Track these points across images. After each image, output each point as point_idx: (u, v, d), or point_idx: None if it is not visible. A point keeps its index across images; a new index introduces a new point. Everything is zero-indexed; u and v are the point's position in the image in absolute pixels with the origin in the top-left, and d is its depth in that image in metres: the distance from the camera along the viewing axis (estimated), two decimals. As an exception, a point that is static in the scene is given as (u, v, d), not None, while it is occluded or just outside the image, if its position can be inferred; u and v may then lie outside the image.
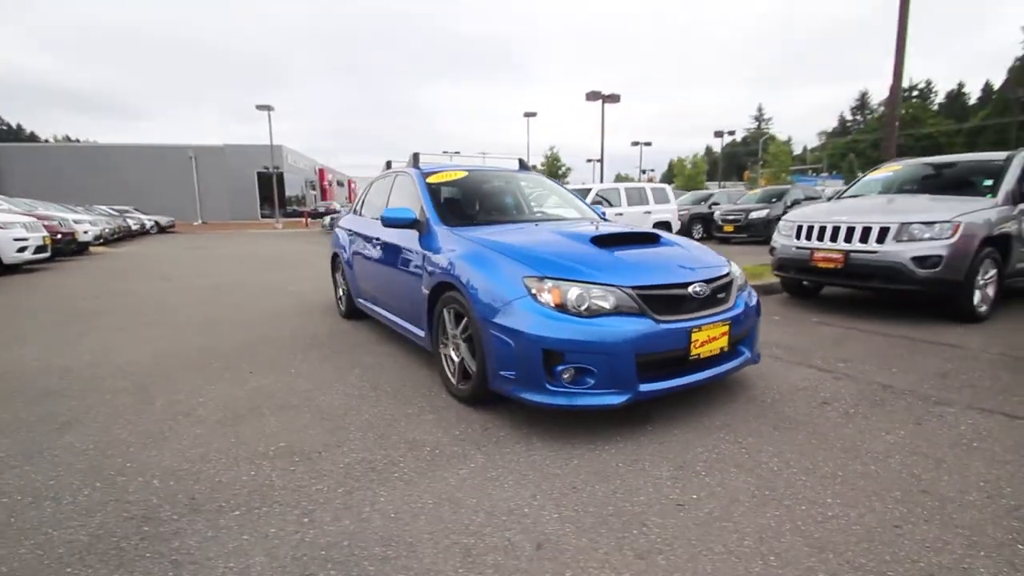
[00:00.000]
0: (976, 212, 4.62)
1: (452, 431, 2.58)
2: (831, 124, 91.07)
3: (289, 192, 41.55)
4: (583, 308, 2.40)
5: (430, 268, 3.20)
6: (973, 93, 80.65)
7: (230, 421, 2.72)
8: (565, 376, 2.35)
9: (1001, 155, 5.41)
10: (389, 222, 3.54)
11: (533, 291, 2.47)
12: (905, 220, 4.64)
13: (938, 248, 4.45)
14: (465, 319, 2.79)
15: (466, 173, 4.13)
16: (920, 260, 4.48)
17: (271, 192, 35.47)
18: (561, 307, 2.41)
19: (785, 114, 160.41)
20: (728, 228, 14.11)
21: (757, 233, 13.22)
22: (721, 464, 2.21)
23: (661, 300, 2.51)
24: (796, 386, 3.12)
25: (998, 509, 1.86)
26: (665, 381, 2.48)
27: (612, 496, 1.98)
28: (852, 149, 70.58)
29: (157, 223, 26.56)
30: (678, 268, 2.72)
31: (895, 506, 1.89)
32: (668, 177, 69.35)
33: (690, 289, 2.60)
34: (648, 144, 40.60)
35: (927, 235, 4.53)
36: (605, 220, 4.18)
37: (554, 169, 42.23)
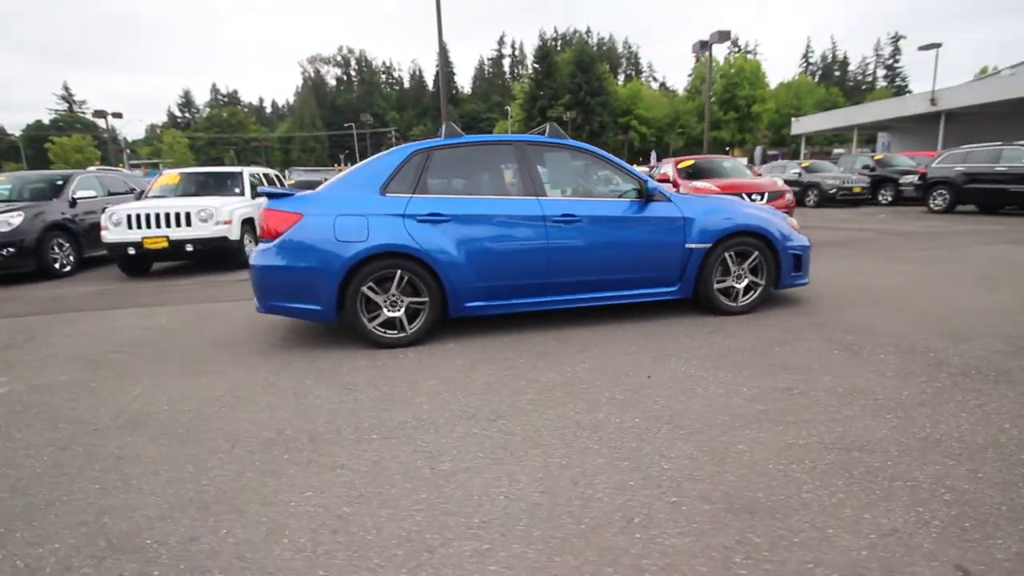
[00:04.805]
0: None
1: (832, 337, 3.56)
2: (160, 118, 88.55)
3: None
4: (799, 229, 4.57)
5: (702, 227, 4.03)
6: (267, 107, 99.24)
7: None
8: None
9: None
10: (652, 193, 4.02)
11: (792, 225, 4.39)
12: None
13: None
14: (754, 254, 4.12)
15: None
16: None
17: None
18: (798, 231, 4.44)
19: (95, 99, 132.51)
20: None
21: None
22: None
23: None
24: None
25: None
26: None
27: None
28: (192, 147, 72.09)
29: None
30: None
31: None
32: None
33: None
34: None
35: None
36: None
37: None
